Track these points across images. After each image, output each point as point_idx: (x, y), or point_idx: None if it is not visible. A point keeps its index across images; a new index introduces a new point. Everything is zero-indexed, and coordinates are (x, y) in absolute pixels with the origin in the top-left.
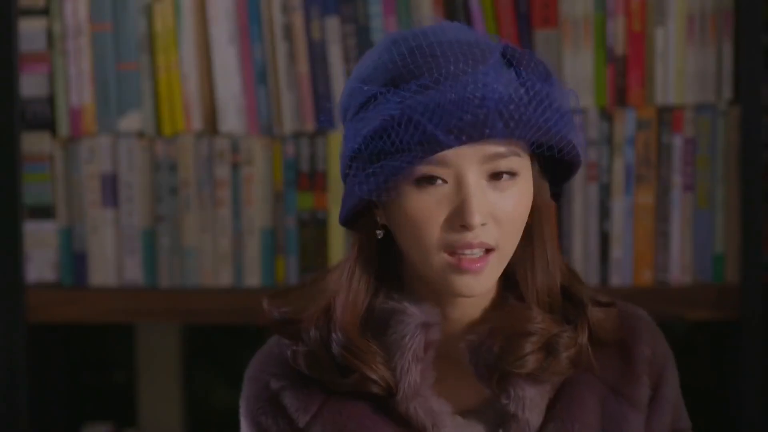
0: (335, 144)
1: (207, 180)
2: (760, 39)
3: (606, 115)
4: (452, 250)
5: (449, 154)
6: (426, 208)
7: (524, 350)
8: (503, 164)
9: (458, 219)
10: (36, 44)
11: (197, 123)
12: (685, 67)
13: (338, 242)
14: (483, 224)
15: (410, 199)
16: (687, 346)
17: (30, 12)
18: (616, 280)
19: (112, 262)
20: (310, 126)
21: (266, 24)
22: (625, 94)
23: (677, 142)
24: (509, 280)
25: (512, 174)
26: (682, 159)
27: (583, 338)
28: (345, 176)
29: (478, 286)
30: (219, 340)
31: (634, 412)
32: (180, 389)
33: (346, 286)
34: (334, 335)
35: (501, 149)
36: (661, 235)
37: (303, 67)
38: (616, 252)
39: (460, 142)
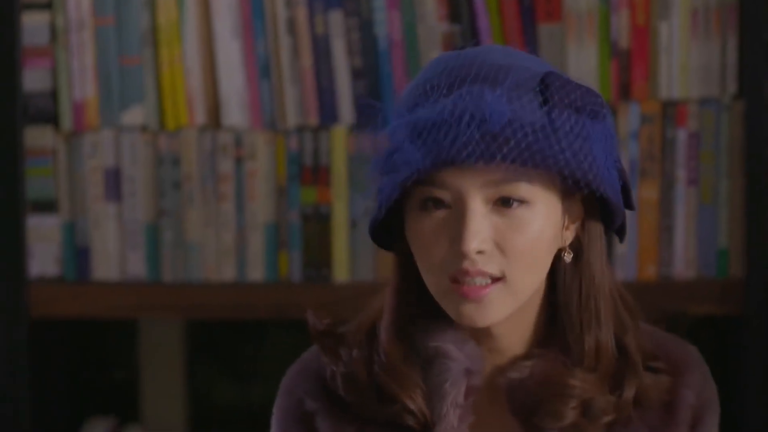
0: (338, 138)
1: (210, 174)
2: (764, 33)
3: (610, 110)
4: (453, 275)
5: (450, 177)
6: (428, 231)
7: (562, 410)
8: (509, 190)
9: (455, 245)
10: (39, 38)
11: (200, 117)
12: (689, 61)
13: (342, 237)
14: (481, 252)
15: (415, 223)
16: (690, 341)
17: (33, 6)
18: (620, 274)
19: (115, 257)
20: (313, 120)
21: (269, 18)
22: (629, 89)
23: (681, 136)
24: (553, 319)
25: (522, 201)
26: (686, 153)
27: (627, 403)
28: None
29: (482, 316)
30: (222, 335)
31: None
32: (183, 385)
33: (389, 308)
34: (377, 357)
35: (507, 175)
36: (665, 230)
37: (306, 61)
38: (620, 247)
39: (464, 161)
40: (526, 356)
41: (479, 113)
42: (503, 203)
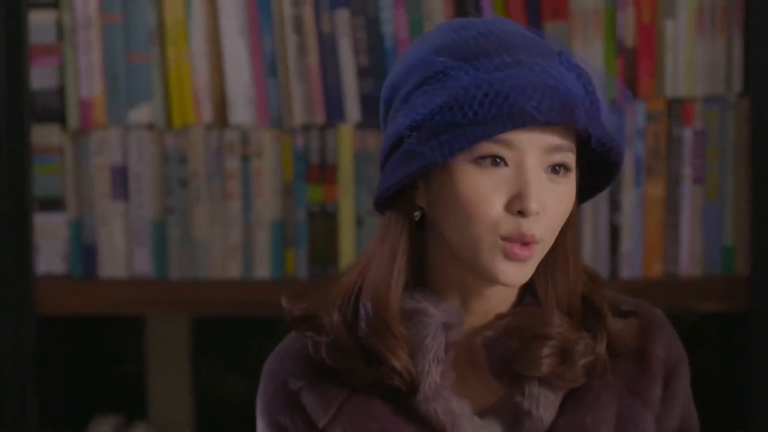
0: (345, 136)
1: (217, 172)
2: None
3: (616, 108)
4: (504, 234)
5: (516, 137)
6: (484, 187)
7: (540, 354)
8: (562, 157)
9: (517, 203)
10: (46, 36)
11: (207, 115)
12: (694, 59)
13: (348, 234)
14: (537, 213)
15: (467, 177)
16: (696, 338)
17: (40, 4)
18: (625, 272)
19: (122, 254)
20: (319, 118)
21: (276, 16)
22: (634, 87)
23: (687, 134)
24: (528, 282)
25: (567, 169)
26: (692, 151)
27: (601, 348)
28: (387, 154)
29: (520, 275)
30: (228, 332)
31: (647, 409)
32: (189, 381)
33: (386, 267)
34: (365, 316)
35: (563, 142)
36: (671, 228)
37: (313, 59)
38: (626, 244)
39: (549, 119)
40: (501, 317)
41: (552, 81)
42: (553, 170)
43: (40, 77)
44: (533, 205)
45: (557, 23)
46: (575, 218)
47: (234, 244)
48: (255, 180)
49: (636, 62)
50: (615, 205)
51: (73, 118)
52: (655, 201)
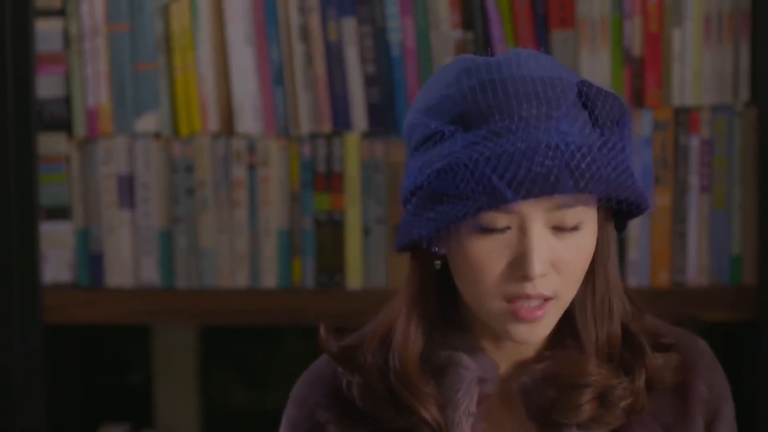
0: (352, 145)
1: (223, 181)
2: None
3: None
4: (510, 298)
5: (516, 203)
6: (487, 254)
7: (579, 401)
8: (569, 215)
9: (519, 268)
10: (52, 45)
11: (214, 124)
12: (701, 68)
13: (355, 243)
14: (543, 275)
15: (471, 244)
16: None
17: (46, 13)
18: (632, 281)
19: (129, 263)
20: (326, 127)
21: (283, 25)
22: (642, 95)
23: (694, 143)
24: (567, 318)
25: (578, 223)
26: (698, 160)
27: (640, 386)
28: (404, 204)
29: (535, 334)
30: (235, 341)
31: None
32: (197, 390)
33: (405, 316)
34: (392, 366)
35: (569, 200)
36: (678, 237)
37: (320, 68)
38: (633, 253)
39: (525, 198)
40: (538, 358)
41: (554, 142)
42: (561, 226)
43: (47, 86)
44: (536, 270)
45: (564, 32)
46: (612, 254)
47: (241, 252)
48: (262, 189)
49: (643, 71)
50: None
51: (79, 127)
52: (662, 210)
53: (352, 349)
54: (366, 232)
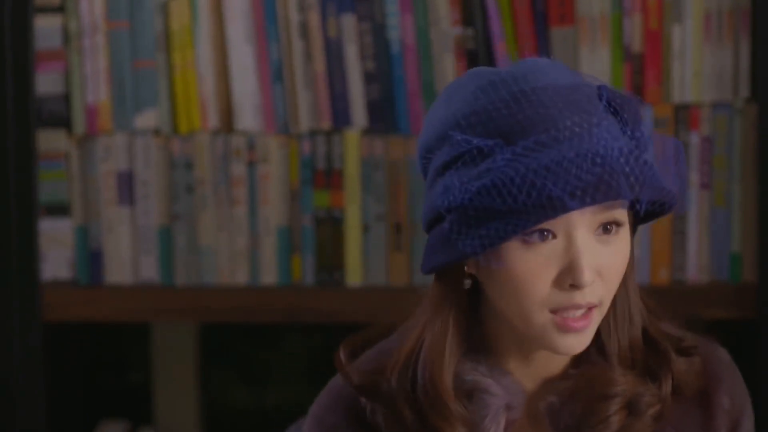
0: (351, 142)
1: (223, 178)
2: None
3: None
4: (557, 309)
5: None
6: (533, 266)
7: (607, 413)
8: (613, 215)
9: (568, 278)
10: (52, 42)
11: (213, 121)
12: (701, 65)
13: (354, 240)
14: (591, 282)
15: (516, 257)
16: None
17: (46, 9)
18: None
19: (128, 261)
20: (326, 124)
21: (282, 22)
22: (641, 92)
23: (694, 140)
24: None
25: (618, 225)
26: (698, 157)
27: (667, 393)
28: (430, 225)
29: (580, 345)
30: (235, 338)
31: None
32: (196, 388)
33: (438, 337)
34: (421, 389)
35: (613, 202)
36: (678, 234)
37: (319, 65)
38: (633, 251)
39: (585, 204)
40: (564, 375)
41: (601, 149)
42: (604, 230)
43: (46, 83)
44: (586, 279)
45: (564, 29)
46: (632, 260)
47: (240, 250)
48: (261, 186)
49: (643, 68)
50: None
51: (79, 124)
52: None
53: (373, 375)
54: (366, 229)
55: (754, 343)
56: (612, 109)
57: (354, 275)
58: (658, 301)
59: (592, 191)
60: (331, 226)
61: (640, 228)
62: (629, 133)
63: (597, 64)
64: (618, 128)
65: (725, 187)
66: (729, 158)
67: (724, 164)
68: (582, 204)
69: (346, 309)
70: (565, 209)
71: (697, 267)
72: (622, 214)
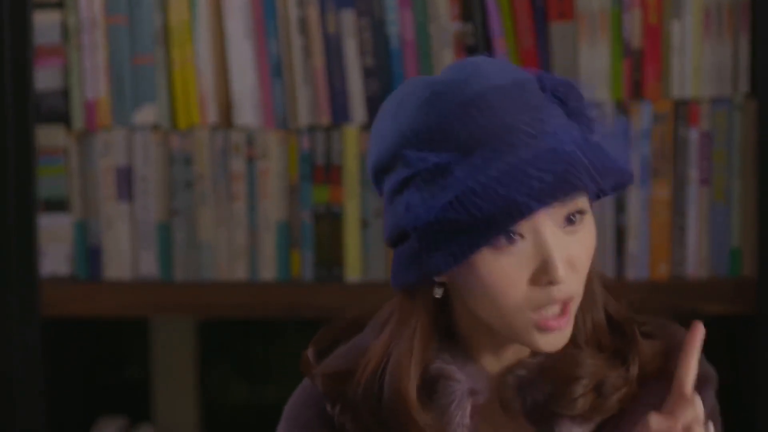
0: (350, 138)
1: (222, 174)
2: None
3: (622, 109)
4: (536, 307)
5: None
6: (507, 270)
7: (575, 394)
8: (575, 207)
9: (544, 276)
10: (50, 37)
11: (212, 116)
12: (701, 60)
13: (354, 236)
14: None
15: (487, 264)
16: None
17: (44, 5)
18: (631, 273)
19: (127, 256)
20: (325, 120)
21: (281, 18)
22: (641, 88)
23: (693, 135)
24: None
25: (582, 213)
26: (698, 153)
27: (634, 375)
28: (395, 242)
29: (562, 340)
30: (234, 334)
31: None
32: (195, 384)
33: (405, 350)
34: (386, 401)
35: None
36: (678, 229)
37: (318, 60)
38: (632, 246)
39: (549, 204)
40: (533, 354)
41: (556, 144)
42: (569, 221)
43: (45, 78)
44: (561, 274)
45: (563, 24)
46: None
47: (239, 245)
48: (260, 181)
49: (642, 63)
50: (621, 207)
51: (78, 119)
52: (662, 202)
53: (340, 377)
54: (365, 224)
55: (754, 338)
56: (557, 99)
57: (353, 271)
58: (657, 297)
59: (555, 189)
60: (330, 221)
61: (639, 223)
62: (575, 120)
63: (596, 60)
64: (566, 118)
65: (725, 183)
66: (728, 153)
67: (724, 159)
68: (546, 204)
69: (345, 304)
70: (531, 212)
71: (696, 262)
72: (584, 202)
